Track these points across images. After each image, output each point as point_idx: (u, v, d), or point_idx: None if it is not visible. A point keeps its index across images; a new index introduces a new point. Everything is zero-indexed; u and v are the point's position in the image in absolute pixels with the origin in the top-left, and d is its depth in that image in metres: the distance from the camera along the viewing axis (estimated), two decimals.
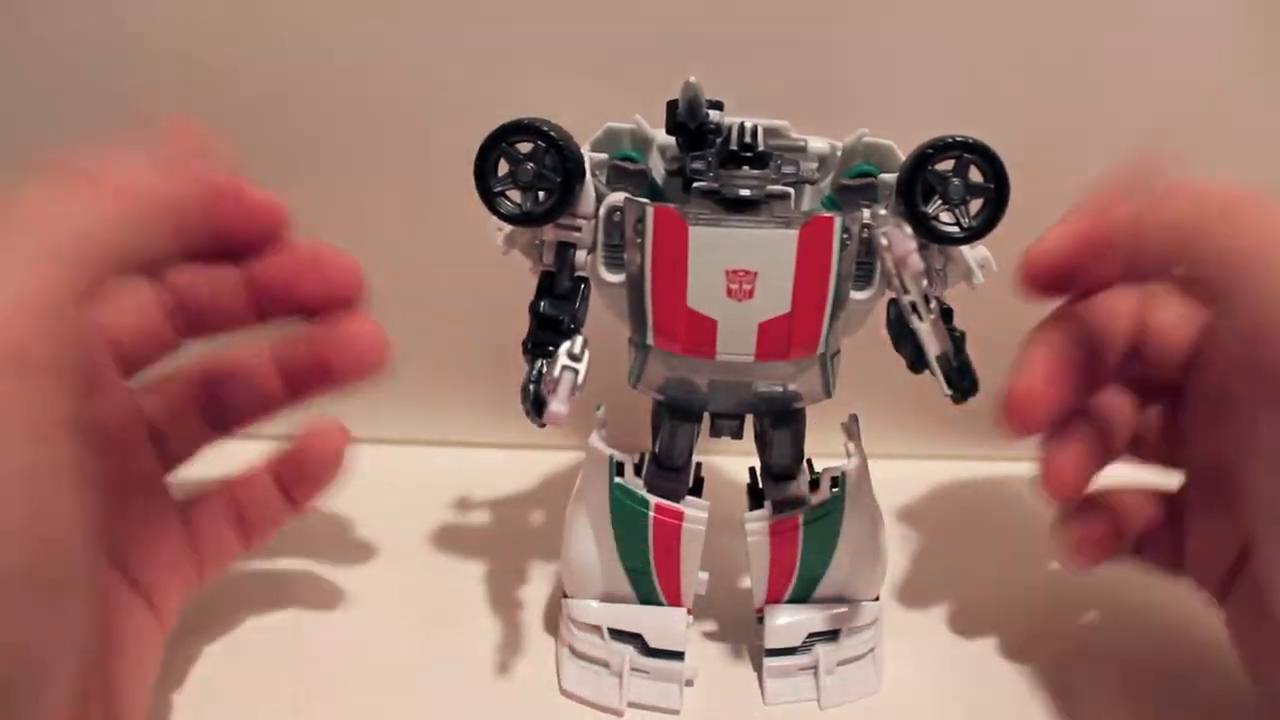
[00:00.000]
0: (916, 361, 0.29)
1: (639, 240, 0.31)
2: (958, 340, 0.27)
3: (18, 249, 0.23)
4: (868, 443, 0.36)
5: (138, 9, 0.45)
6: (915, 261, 0.26)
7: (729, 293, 0.30)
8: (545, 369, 0.31)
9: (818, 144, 0.34)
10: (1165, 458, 0.36)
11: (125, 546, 0.30)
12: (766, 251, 0.30)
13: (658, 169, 0.35)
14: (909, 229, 0.26)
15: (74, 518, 0.23)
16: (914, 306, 0.27)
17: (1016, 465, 0.40)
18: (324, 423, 0.35)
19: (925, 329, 0.27)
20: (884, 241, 0.27)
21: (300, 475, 0.35)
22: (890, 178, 0.32)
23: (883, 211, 0.27)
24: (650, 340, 0.32)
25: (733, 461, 0.40)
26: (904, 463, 0.38)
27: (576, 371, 0.30)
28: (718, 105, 0.32)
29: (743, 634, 0.37)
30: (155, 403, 0.33)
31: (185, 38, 0.45)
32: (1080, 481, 0.34)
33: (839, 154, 0.34)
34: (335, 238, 0.48)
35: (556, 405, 0.29)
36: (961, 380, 0.27)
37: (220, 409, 0.34)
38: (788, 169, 0.32)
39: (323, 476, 0.35)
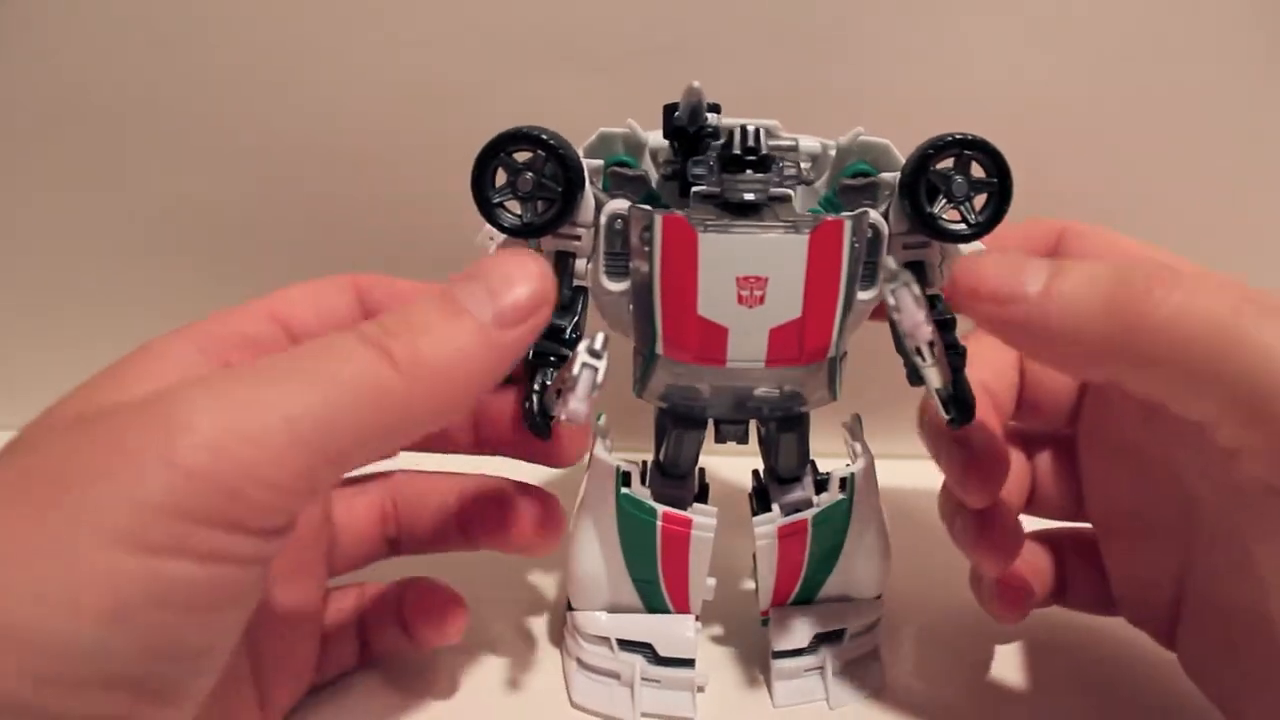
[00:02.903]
0: (914, 379, 0.29)
1: (646, 249, 0.30)
2: (958, 369, 0.27)
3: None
4: (868, 442, 0.36)
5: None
6: (924, 332, 0.27)
7: (739, 299, 0.29)
8: (549, 380, 0.31)
9: (808, 143, 0.34)
10: (1060, 510, 0.37)
11: (262, 643, 0.30)
12: (777, 257, 0.29)
13: (650, 173, 0.34)
14: (917, 289, 0.26)
15: (235, 628, 0.23)
16: (918, 350, 0.27)
17: None
18: (445, 599, 0.34)
19: (928, 368, 0.27)
20: (892, 302, 0.27)
21: (416, 626, 0.34)
22: (890, 177, 0.32)
23: (892, 265, 0.27)
24: (659, 349, 0.31)
25: (729, 463, 0.39)
26: (904, 462, 0.38)
27: (597, 369, 0.27)
28: (715, 108, 0.32)
29: (747, 636, 0.37)
30: (343, 512, 0.34)
31: (185, 35, 0.45)
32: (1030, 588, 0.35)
33: (832, 153, 0.34)
34: (335, 237, 0.47)
35: (575, 403, 0.27)
36: (960, 412, 0.28)
37: (398, 530, 0.35)
38: (789, 171, 0.31)
39: (434, 641, 0.34)
